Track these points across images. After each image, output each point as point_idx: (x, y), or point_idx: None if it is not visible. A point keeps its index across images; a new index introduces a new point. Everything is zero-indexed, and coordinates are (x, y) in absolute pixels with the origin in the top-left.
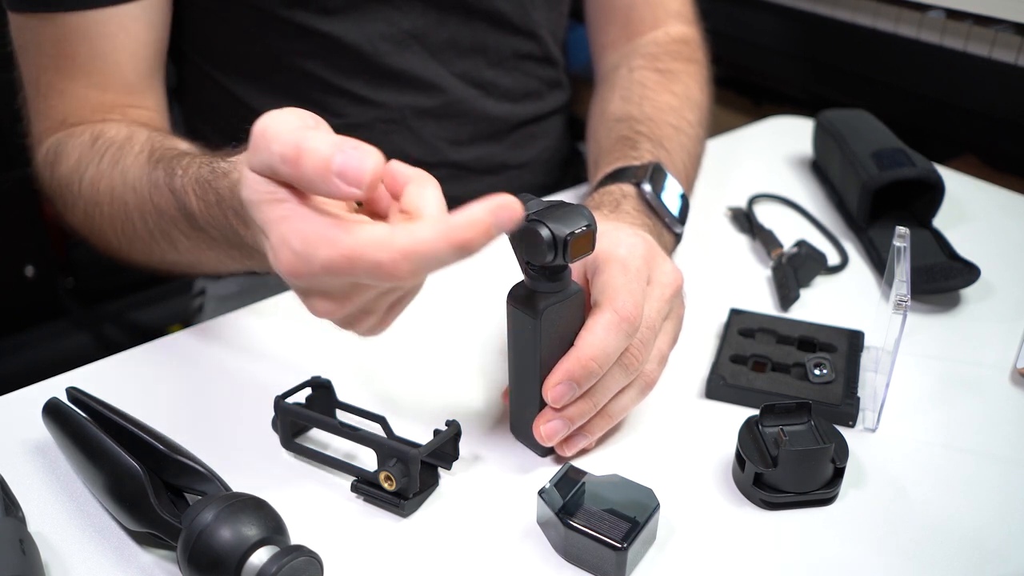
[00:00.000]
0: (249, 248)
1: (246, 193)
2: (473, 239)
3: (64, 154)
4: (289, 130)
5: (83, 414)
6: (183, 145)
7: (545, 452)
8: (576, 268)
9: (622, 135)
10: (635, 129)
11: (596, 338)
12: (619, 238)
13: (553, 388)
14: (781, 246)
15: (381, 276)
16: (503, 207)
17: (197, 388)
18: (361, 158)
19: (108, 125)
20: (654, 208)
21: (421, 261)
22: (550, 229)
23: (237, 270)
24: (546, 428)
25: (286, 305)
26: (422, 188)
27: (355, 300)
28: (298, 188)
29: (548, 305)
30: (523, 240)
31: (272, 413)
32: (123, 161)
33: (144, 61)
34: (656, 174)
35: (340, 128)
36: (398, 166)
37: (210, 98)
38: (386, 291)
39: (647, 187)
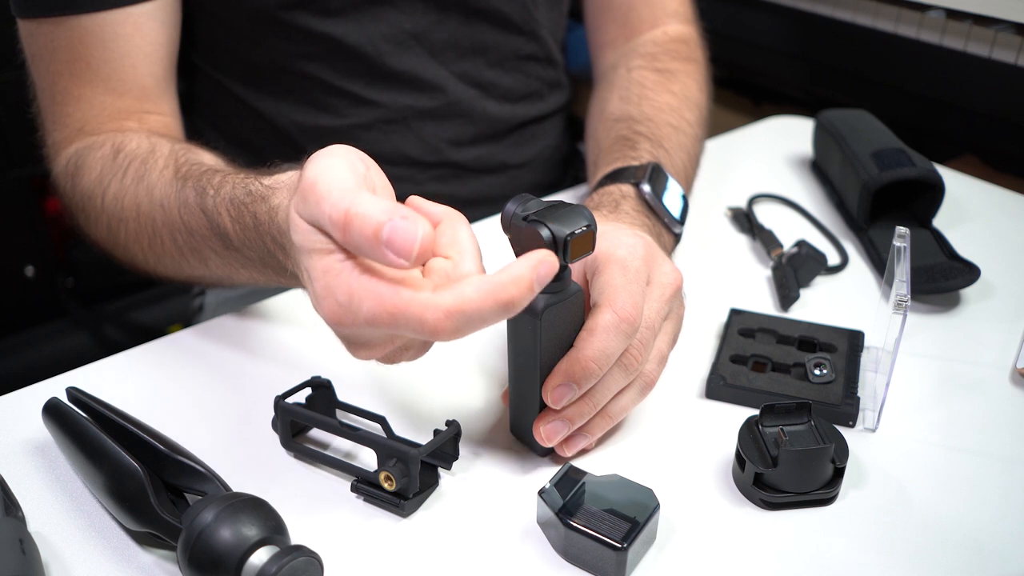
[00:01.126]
0: (287, 271)
1: (297, 239)
2: (516, 296)
3: (85, 167)
4: (340, 189)
5: (83, 414)
6: (208, 159)
7: (545, 452)
8: (576, 268)
9: (621, 135)
10: (634, 129)
11: (596, 339)
12: (619, 239)
13: (553, 389)
14: (781, 246)
15: (424, 333)
16: (543, 262)
17: (197, 388)
18: (410, 229)
19: (128, 136)
20: (653, 209)
21: (465, 320)
22: (550, 229)
23: (268, 286)
24: (546, 429)
25: (286, 305)
26: (455, 229)
27: (395, 343)
28: (346, 249)
29: (548, 305)
30: (523, 240)
31: (272, 413)
32: (148, 177)
33: (159, 63)
34: (655, 174)
35: (342, 129)
36: (424, 204)
37: (213, 102)
38: None
39: (646, 187)
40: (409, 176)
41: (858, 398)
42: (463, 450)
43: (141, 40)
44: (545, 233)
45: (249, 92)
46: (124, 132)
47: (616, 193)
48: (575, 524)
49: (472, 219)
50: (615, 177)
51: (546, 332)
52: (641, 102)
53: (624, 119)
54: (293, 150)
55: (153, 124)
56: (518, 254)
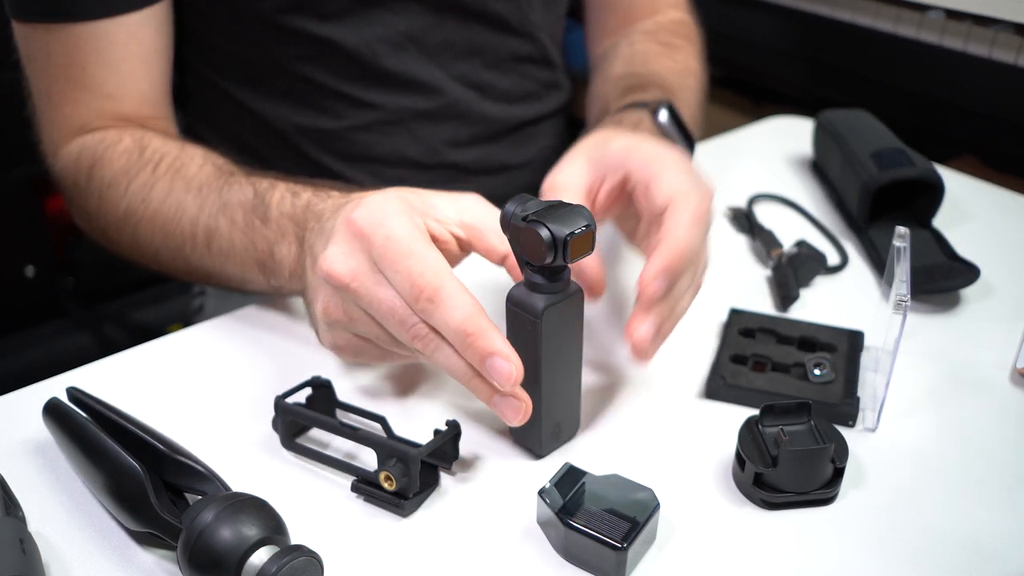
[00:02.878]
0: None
1: (326, 308)
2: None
3: (105, 159)
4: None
5: (83, 414)
6: (258, 183)
7: (541, 455)
8: (613, 171)
9: (630, 84)
10: (643, 80)
11: (685, 232)
12: (659, 146)
13: (651, 282)
14: (781, 246)
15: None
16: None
17: (197, 388)
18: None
19: (148, 135)
20: (669, 136)
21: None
22: (550, 230)
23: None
24: (641, 332)
25: (286, 305)
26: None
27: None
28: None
29: (549, 306)
30: (523, 241)
31: (272, 413)
32: (185, 171)
33: (155, 68)
34: (670, 109)
35: (340, 131)
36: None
37: (211, 102)
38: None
39: (663, 114)
40: (409, 178)
41: (858, 398)
42: (463, 450)
43: (136, 47)
44: (545, 233)
45: (246, 93)
46: (141, 130)
47: (634, 116)
48: (575, 524)
49: None
50: (629, 108)
51: (547, 333)
52: (647, 63)
53: (631, 75)
54: (291, 151)
55: (157, 129)
56: (517, 253)
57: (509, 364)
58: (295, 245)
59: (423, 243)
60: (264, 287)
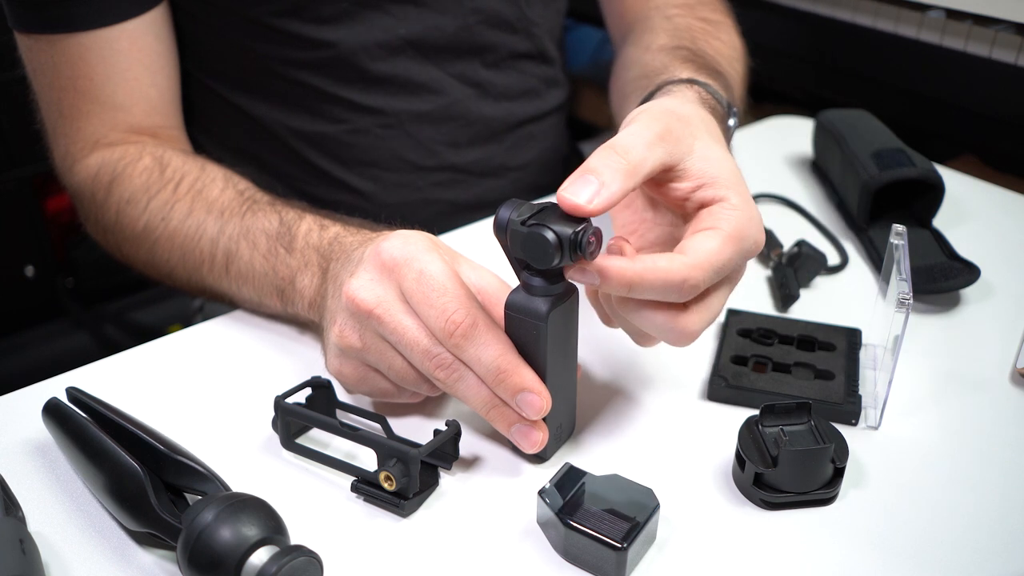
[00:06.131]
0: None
1: (341, 332)
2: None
3: (124, 176)
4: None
5: (83, 414)
6: (285, 213)
7: (545, 459)
8: (680, 161)
9: (685, 57)
10: (696, 59)
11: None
12: (733, 166)
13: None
14: (781, 246)
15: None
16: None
17: (197, 388)
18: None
19: (167, 153)
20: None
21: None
22: (555, 232)
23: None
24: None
25: None
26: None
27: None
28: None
29: (552, 308)
30: (527, 246)
31: (272, 413)
32: (207, 192)
33: (161, 74)
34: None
35: (338, 134)
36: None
37: (208, 109)
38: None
39: (734, 121)
40: (410, 182)
41: (860, 396)
42: (463, 450)
43: (138, 54)
44: (550, 236)
45: (242, 99)
46: (160, 147)
47: (692, 96)
48: (575, 524)
49: (474, 223)
50: (691, 84)
51: (551, 335)
52: (695, 40)
53: (683, 48)
54: (289, 156)
55: (170, 141)
56: (513, 259)
57: (540, 399)
58: (317, 276)
59: (455, 281)
60: (279, 312)
